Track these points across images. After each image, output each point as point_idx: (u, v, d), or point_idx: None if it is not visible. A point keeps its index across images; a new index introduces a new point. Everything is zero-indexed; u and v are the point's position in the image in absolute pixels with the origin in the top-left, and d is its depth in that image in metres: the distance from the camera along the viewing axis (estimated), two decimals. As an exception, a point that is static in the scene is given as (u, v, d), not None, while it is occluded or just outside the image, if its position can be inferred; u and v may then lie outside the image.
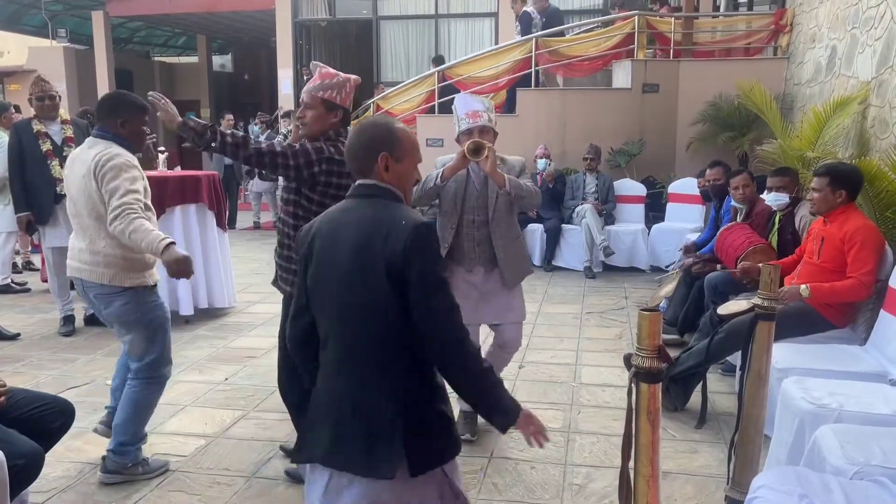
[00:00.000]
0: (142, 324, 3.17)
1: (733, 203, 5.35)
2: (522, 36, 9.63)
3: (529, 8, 10.00)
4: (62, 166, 5.30)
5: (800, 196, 4.71)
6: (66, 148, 5.32)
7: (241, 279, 7.04)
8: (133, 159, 3.15)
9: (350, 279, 1.89)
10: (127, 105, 3.20)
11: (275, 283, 3.22)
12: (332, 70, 3.10)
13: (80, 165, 3.11)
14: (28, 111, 5.72)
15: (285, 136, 9.70)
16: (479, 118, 3.48)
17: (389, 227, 1.87)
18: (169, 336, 3.29)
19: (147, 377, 3.24)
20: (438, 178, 3.44)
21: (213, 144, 2.87)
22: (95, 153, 3.07)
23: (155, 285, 3.26)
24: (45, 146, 5.31)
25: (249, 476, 3.33)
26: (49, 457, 2.73)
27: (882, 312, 3.61)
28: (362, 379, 1.89)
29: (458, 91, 8.29)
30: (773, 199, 4.61)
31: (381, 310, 1.86)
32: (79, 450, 3.56)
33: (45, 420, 2.72)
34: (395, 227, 1.87)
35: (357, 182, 2.02)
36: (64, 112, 5.54)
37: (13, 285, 6.84)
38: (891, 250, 3.80)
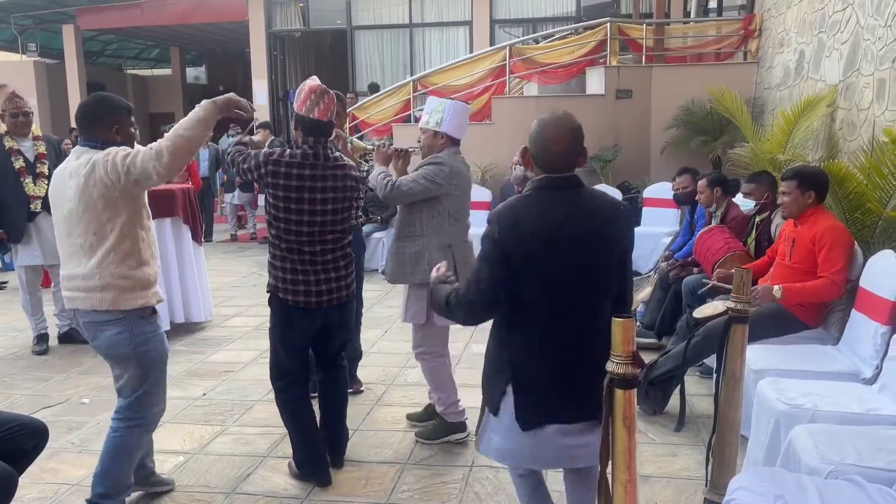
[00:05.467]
0: (134, 358, 2.86)
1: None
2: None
3: None
4: (35, 183, 5.24)
5: (776, 202, 4.76)
6: (38, 164, 5.25)
7: (217, 292, 6.99)
8: None
9: None
10: (116, 108, 2.90)
11: None
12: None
13: (74, 180, 2.76)
14: (-3, 127, 5.62)
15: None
16: (420, 121, 3.82)
17: None
18: (164, 374, 3.00)
19: (131, 417, 2.93)
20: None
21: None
22: (89, 157, 2.76)
23: (155, 311, 2.94)
24: (18, 163, 5.22)
25: (229, 492, 3.29)
26: (24, 478, 2.69)
27: (853, 312, 3.67)
28: None
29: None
30: (744, 204, 4.69)
31: None
32: (54, 470, 3.51)
33: (17, 441, 2.67)
34: None
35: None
36: (36, 128, 5.47)
37: None
38: (860, 251, 3.86)
